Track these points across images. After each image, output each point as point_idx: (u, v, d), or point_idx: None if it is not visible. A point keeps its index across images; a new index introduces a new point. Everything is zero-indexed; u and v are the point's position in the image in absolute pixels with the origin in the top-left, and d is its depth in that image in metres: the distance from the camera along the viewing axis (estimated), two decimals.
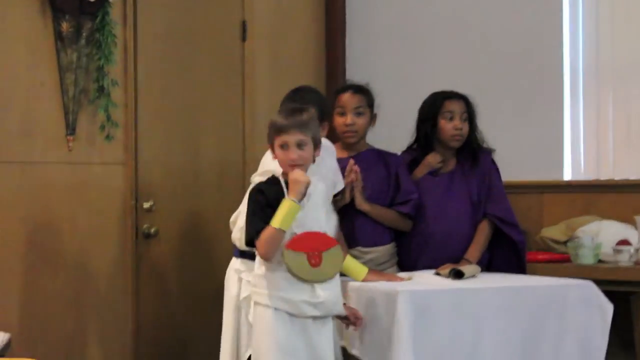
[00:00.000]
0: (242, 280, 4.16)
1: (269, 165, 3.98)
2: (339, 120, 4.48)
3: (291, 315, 3.66)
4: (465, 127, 4.58)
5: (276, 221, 3.57)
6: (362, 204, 4.36)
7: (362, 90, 4.53)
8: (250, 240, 3.67)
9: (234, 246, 4.24)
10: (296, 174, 3.62)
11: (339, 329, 3.93)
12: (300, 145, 3.67)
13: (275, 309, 3.66)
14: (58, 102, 4.77)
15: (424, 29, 6.05)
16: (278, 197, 3.63)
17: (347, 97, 4.50)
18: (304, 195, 3.61)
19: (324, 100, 4.31)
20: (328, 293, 3.68)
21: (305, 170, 3.69)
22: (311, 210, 3.70)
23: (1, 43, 4.65)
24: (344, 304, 3.82)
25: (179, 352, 5.14)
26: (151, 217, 5.10)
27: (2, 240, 4.62)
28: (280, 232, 3.57)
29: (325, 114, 4.20)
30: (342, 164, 4.32)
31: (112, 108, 4.87)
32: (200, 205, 5.34)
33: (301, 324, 3.67)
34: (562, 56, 5.61)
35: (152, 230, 5.08)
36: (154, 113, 5.16)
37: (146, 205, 5.07)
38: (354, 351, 3.87)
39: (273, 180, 3.73)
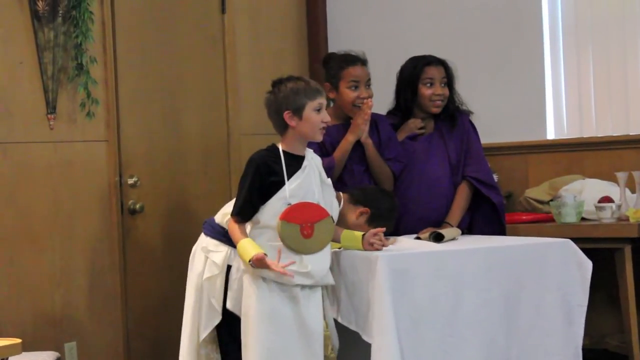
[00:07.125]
0: (208, 260, 4.10)
1: None
2: (351, 94, 4.41)
3: (279, 284, 3.70)
4: (445, 92, 4.57)
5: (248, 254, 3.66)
6: (367, 139, 4.39)
7: (366, 62, 4.50)
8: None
9: (208, 223, 4.21)
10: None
11: (331, 299, 3.93)
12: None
13: (264, 278, 3.70)
14: (37, 81, 4.74)
15: None
16: (277, 172, 3.71)
17: (360, 71, 4.44)
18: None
19: None
20: (316, 264, 3.73)
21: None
22: (305, 181, 3.75)
23: None
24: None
25: (168, 326, 5.15)
26: (136, 192, 5.09)
27: None
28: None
29: None
30: (335, 131, 4.37)
31: (91, 85, 4.85)
32: (184, 179, 5.34)
33: (290, 292, 3.71)
34: (541, 14, 5.59)
35: (138, 206, 5.07)
36: (134, 89, 5.13)
37: (130, 181, 5.06)
38: (334, 315, 3.88)
39: (273, 149, 3.79)
